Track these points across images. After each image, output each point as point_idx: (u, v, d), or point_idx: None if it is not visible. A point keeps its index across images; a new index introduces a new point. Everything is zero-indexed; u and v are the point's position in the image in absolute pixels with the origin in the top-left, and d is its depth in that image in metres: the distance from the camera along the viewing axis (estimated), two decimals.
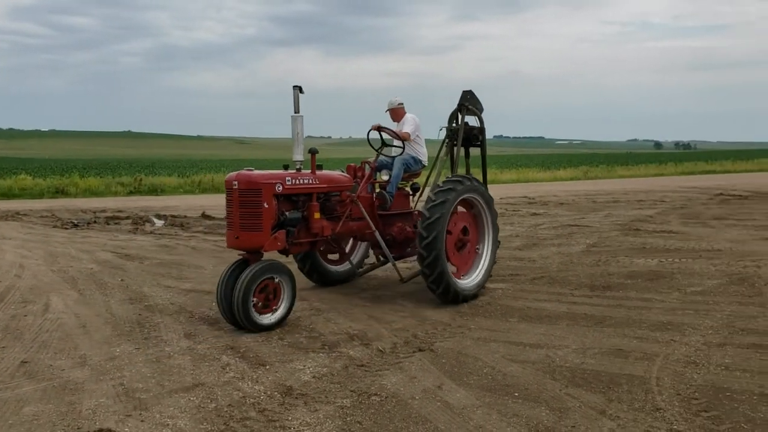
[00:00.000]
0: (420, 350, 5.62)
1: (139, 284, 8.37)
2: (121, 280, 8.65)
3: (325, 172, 7.31)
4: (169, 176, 32.55)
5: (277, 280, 6.37)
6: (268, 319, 6.32)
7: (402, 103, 8.36)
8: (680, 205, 17.78)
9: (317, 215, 6.95)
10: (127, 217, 16.24)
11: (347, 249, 8.55)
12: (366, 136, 7.95)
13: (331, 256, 8.37)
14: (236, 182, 6.40)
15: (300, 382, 4.89)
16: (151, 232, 13.68)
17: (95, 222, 15.42)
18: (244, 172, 6.52)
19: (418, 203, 8.51)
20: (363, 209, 7.38)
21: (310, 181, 6.94)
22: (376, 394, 4.63)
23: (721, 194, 21.28)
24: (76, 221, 15.36)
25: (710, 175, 37.85)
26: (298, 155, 6.92)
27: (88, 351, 5.67)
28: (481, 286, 7.66)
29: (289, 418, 4.24)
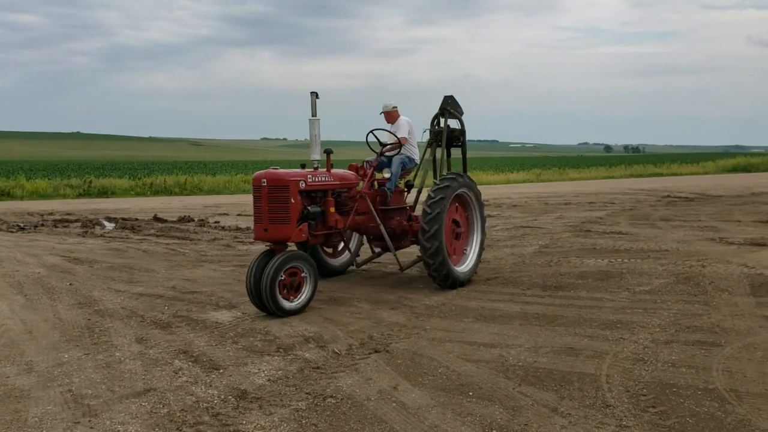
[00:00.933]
0: (376, 351, 5.63)
1: (89, 288, 8.18)
2: (70, 284, 8.44)
3: (337, 170, 8.01)
4: (120, 178, 31.88)
5: (301, 269, 6.97)
6: (293, 304, 6.89)
7: (396, 107, 8.96)
8: (629, 207, 18.22)
9: (332, 209, 7.68)
10: (77, 220, 15.86)
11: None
12: (365, 140, 8.70)
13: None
14: (265, 180, 7.04)
15: (254, 385, 4.85)
16: (101, 235, 13.37)
17: (43, 225, 15.00)
18: (271, 170, 7.22)
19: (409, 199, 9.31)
20: (370, 204, 8.13)
21: (327, 179, 7.65)
22: (331, 396, 4.62)
23: (669, 196, 21.89)
24: (22, 224, 14.92)
25: (658, 177, 38.88)
26: (316, 155, 7.65)
27: (35, 357, 5.52)
28: (473, 272, 8.44)
29: (244, 422, 4.20)
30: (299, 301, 6.96)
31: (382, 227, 8.19)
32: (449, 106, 8.91)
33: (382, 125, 8.95)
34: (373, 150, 8.73)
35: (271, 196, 7.00)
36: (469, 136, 9.25)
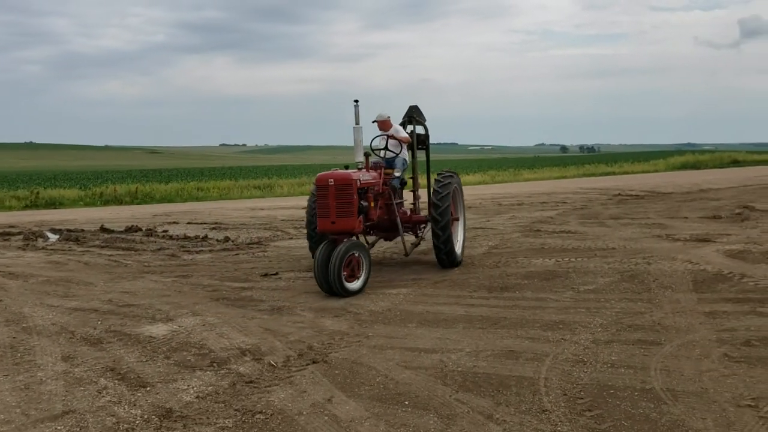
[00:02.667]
0: (314, 362, 5.45)
1: (20, 304, 7.81)
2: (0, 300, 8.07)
3: (371, 171, 9.00)
4: (69, 188, 31.00)
5: (359, 255, 8.00)
6: (355, 284, 7.94)
7: (389, 116, 9.92)
8: (581, 206, 18.37)
9: (372, 204, 8.72)
10: (19, 233, 15.29)
11: None
12: (369, 145, 9.75)
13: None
14: (332, 180, 8.14)
15: (181, 403, 4.62)
16: (42, 248, 12.88)
17: None
18: (336, 171, 8.43)
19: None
20: (393, 199, 9.35)
21: (370, 178, 8.76)
22: (261, 412, 4.43)
23: (620, 194, 22.18)
24: None
25: (611, 176, 39.45)
26: (360, 157, 9.02)
27: None
28: (463, 252, 9.87)
29: None
30: (360, 281, 8.00)
31: (398, 218, 9.38)
32: (414, 114, 10.13)
33: (376, 133, 9.94)
34: (376, 155, 9.69)
35: (338, 194, 8.08)
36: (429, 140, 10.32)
